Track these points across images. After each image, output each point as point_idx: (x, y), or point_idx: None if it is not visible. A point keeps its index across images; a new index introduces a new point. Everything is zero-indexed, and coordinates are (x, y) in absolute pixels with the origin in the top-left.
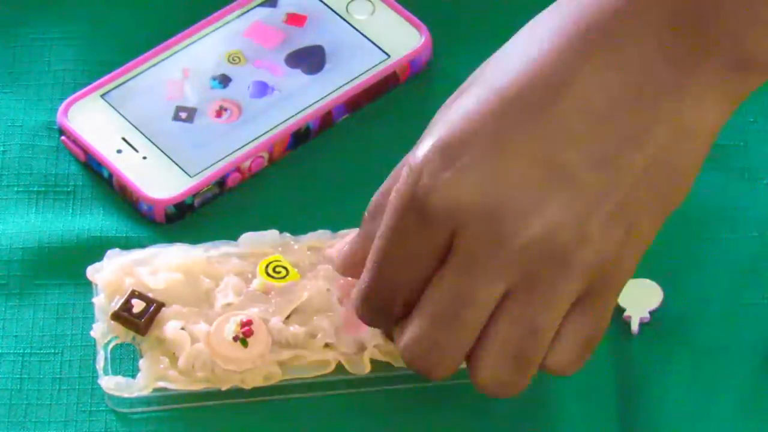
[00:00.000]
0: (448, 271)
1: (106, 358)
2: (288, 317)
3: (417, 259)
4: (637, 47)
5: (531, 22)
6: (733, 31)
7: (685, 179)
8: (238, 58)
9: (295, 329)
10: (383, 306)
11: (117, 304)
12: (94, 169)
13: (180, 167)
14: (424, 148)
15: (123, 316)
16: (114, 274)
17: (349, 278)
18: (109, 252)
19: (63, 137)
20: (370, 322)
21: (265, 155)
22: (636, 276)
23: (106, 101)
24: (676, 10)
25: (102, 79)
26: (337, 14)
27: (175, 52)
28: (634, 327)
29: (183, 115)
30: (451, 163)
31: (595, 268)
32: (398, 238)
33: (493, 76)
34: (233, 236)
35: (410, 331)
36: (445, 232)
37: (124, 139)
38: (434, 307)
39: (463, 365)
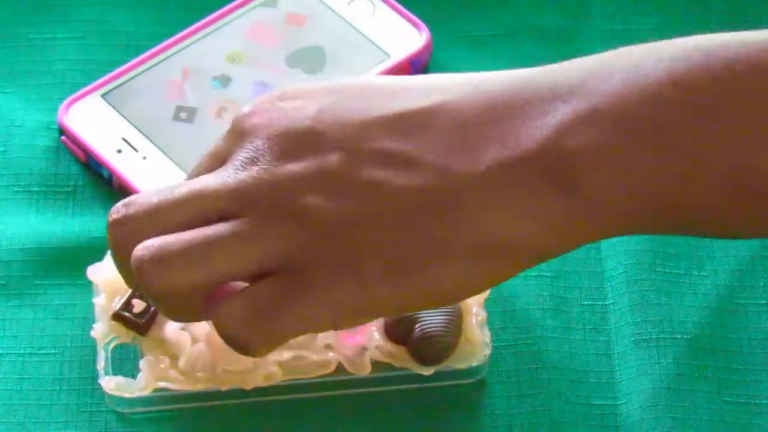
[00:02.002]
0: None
1: (106, 359)
2: None
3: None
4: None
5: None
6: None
7: (446, 271)
8: (239, 58)
9: None
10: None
11: (118, 304)
12: (94, 169)
13: (180, 167)
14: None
15: (124, 316)
16: (115, 274)
17: None
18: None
19: (63, 137)
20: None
21: None
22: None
23: (106, 101)
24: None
25: (102, 79)
26: (337, 14)
27: (175, 52)
28: None
29: (183, 115)
30: (281, 99)
31: (297, 250)
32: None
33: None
34: None
35: None
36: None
37: (124, 139)
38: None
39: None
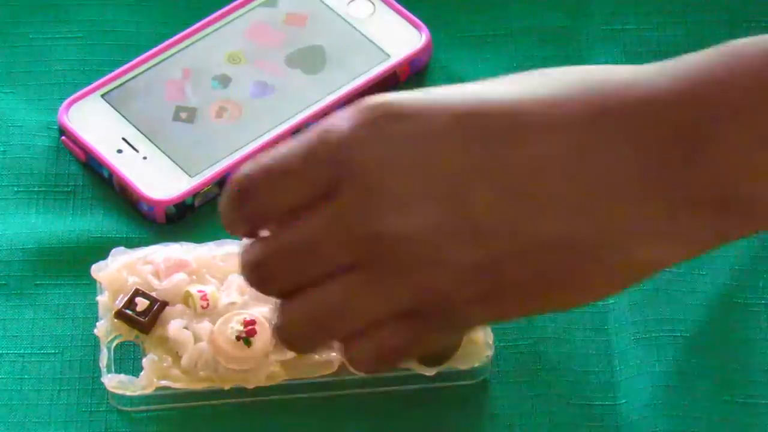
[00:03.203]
0: (317, 211)
1: (109, 357)
2: None
3: (296, 182)
4: (621, 153)
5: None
6: (722, 173)
7: (581, 294)
8: (239, 58)
9: None
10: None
11: (121, 302)
12: (94, 169)
13: (180, 167)
14: (373, 99)
15: (126, 314)
16: (118, 272)
17: None
18: (114, 250)
19: (63, 137)
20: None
21: None
22: None
23: (106, 101)
24: (671, 136)
25: (102, 79)
26: (337, 14)
27: (175, 52)
28: None
29: (183, 115)
30: (383, 123)
31: (439, 295)
32: (293, 155)
33: (477, 86)
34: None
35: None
36: (332, 174)
37: (124, 139)
38: (287, 235)
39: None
